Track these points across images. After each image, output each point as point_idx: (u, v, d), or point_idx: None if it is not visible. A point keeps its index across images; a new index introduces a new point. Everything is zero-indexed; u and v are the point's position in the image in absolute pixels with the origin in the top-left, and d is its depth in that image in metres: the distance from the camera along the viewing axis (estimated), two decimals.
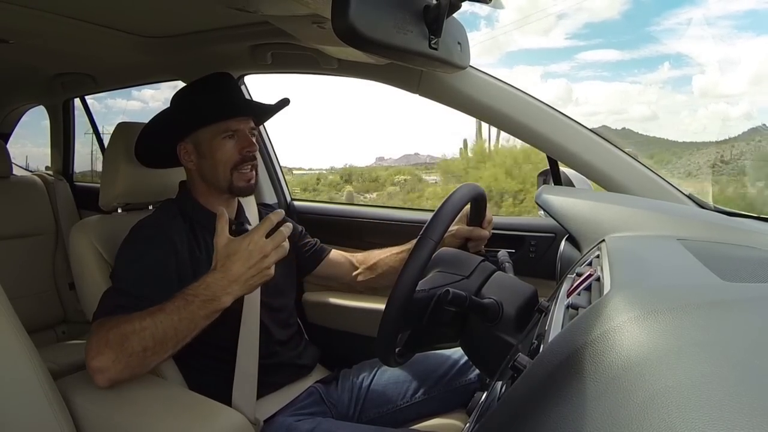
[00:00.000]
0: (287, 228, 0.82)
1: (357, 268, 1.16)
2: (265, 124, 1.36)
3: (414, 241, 0.72)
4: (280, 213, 0.83)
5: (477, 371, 1.02)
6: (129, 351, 0.74)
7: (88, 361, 0.76)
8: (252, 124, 1.00)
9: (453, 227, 0.99)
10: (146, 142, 1.01)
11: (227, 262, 0.78)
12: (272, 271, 0.81)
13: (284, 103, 1.08)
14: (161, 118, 1.02)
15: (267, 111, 1.08)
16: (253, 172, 1.00)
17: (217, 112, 0.96)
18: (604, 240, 0.68)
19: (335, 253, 1.19)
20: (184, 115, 0.98)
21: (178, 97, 1.03)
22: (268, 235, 0.80)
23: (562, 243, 0.85)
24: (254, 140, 1.00)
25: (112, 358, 0.74)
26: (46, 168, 2.22)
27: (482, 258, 0.83)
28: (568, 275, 0.66)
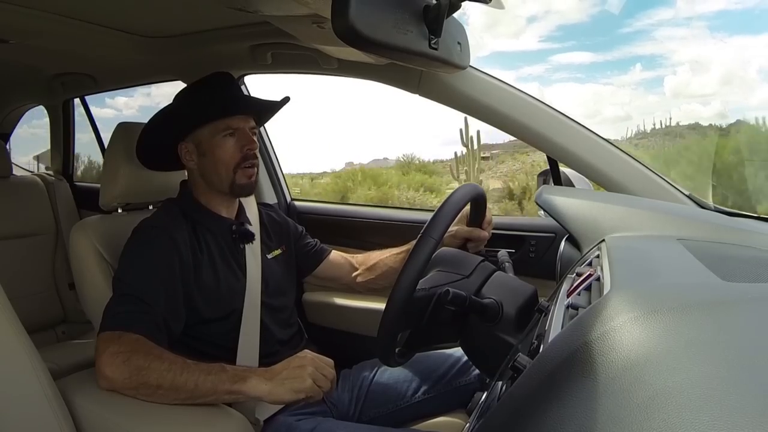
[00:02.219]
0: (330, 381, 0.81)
1: (357, 269, 1.16)
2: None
3: (414, 242, 0.72)
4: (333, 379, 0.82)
5: (477, 371, 1.02)
6: (143, 380, 0.74)
7: (99, 366, 0.76)
8: (252, 123, 1.00)
9: (453, 228, 0.99)
10: (147, 142, 1.01)
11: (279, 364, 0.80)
12: (304, 384, 0.77)
13: (285, 101, 1.08)
14: (161, 116, 1.02)
15: (267, 110, 1.08)
16: (255, 170, 0.99)
17: (216, 109, 0.96)
18: (604, 240, 0.68)
19: (335, 254, 1.19)
20: (184, 114, 0.98)
21: (179, 97, 1.03)
22: None
23: (562, 243, 0.85)
24: (255, 139, 1.00)
25: (125, 377, 0.75)
26: (47, 168, 2.22)
27: (482, 258, 0.83)
28: (568, 275, 0.66)
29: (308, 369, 0.78)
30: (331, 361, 0.82)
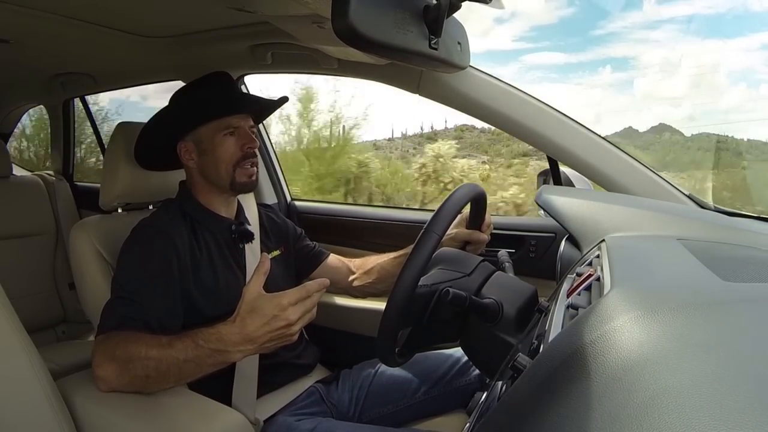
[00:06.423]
0: (318, 294, 0.75)
1: (354, 273, 1.16)
2: (263, 122, 1.35)
3: (413, 245, 0.72)
4: (324, 282, 0.75)
5: (477, 371, 1.02)
6: (132, 373, 0.75)
7: (94, 368, 0.77)
8: (251, 122, 1.01)
9: (452, 230, 0.99)
10: (146, 142, 1.01)
11: (248, 317, 0.72)
12: (295, 337, 0.75)
13: (284, 100, 1.09)
14: (160, 116, 1.03)
15: (266, 108, 1.09)
16: (255, 168, 1.00)
17: (218, 108, 0.97)
18: (604, 240, 0.68)
19: (333, 258, 1.19)
20: (185, 113, 0.99)
21: (178, 96, 1.03)
22: None
23: (562, 243, 0.85)
24: (254, 137, 1.00)
25: (116, 373, 0.76)
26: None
27: (482, 258, 0.83)
28: (568, 275, 0.66)
29: (297, 327, 0.73)
30: (305, 289, 0.73)
